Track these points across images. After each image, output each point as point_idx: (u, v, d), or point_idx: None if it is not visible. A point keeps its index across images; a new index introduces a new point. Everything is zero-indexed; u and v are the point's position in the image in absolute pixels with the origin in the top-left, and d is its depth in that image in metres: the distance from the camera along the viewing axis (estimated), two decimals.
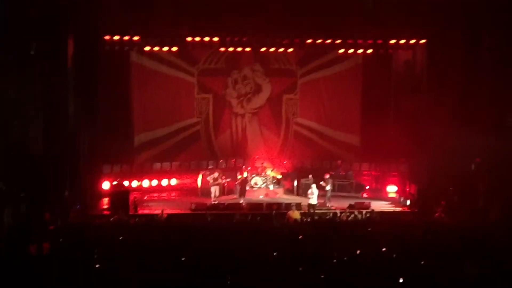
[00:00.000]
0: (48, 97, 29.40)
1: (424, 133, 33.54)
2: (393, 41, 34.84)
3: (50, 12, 28.68)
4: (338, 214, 29.32)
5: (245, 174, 34.43)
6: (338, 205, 31.67)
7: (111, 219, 28.15)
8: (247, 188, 33.85)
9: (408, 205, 32.12)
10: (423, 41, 34.28)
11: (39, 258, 18.56)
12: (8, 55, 26.84)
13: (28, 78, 28.08)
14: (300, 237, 21.49)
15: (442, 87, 32.67)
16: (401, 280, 15.56)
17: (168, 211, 29.61)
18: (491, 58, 31.77)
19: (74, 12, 30.11)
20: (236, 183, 34.07)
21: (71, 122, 30.93)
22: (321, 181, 32.28)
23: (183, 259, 17.84)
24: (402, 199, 33.42)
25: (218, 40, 34.11)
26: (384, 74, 37.35)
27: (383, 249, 19.52)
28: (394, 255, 18.73)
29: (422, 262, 17.66)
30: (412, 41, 34.63)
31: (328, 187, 32.27)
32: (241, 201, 32.29)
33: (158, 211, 29.49)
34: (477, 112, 31.84)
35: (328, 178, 32.73)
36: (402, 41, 34.65)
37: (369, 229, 23.64)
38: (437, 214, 28.99)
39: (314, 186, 31.24)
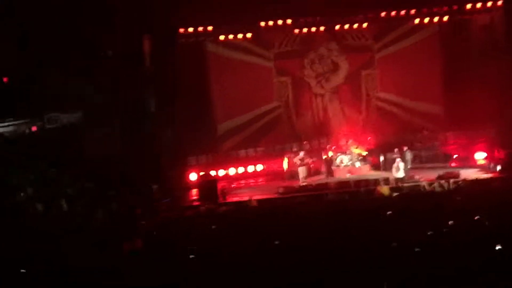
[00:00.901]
0: (128, 97, 29.93)
1: (509, 97, 32.90)
2: (469, 6, 34.22)
3: (124, 13, 29.13)
4: (427, 186, 29.01)
5: (330, 154, 34.30)
6: (426, 176, 31.25)
7: (201, 209, 28.44)
8: (333, 167, 33.75)
9: (499, 171, 31.53)
10: (500, 2, 33.56)
11: (133, 255, 18.78)
12: (85, 59, 27.46)
13: (107, 81, 28.68)
14: (389, 212, 21.32)
15: None
16: (498, 247, 15.26)
17: (257, 197, 29.73)
18: None
19: (148, 10, 30.46)
20: (323, 163, 34.06)
21: (152, 118, 31.38)
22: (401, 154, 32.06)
23: (276, 242, 17.86)
24: (492, 165, 32.75)
25: (291, 22, 34.06)
26: (463, 41, 36.76)
27: (476, 217, 19.22)
28: (487, 223, 18.44)
29: None
30: (489, 4, 33.94)
31: (407, 158, 31.92)
32: (337, 180, 32.22)
33: (246, 198, 29.66)
34: None
35: (406, 150, 32.35)
36: (479, 5, 34.03)
37: (458, 198, 23.28)
38: None
39: (399, 159, 30.96)
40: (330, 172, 33.24)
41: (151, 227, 23.63)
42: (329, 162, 33.54)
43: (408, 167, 31.86)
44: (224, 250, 17.64)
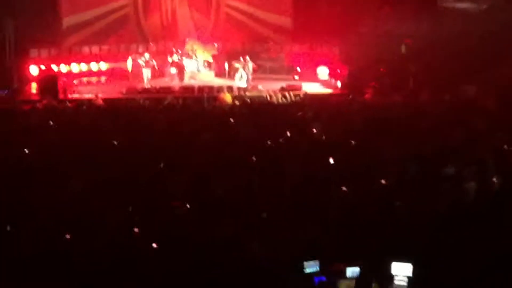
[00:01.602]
0: None
1: (356, 15, 33.51)
2: None
3: None
4: (269, 97, 29.40)
5: (175, 57, 34.02)
6: (269, 87, 31.60)
7: (40, 103, 27.81)
8: (173, 72, 33.64)
9: (340, 87, 32.31)
10: None
11: None
12: None
13: None
14: (232, 120, 21.54)
15: None
16: (331, 161, 15.76)
17: (100, 95, 29.30)
18: None
19: None
20: (169, 66, 33.84)
21: None
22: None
23: (115, 142, 17.77)
24: (333, 81, 33.56)
25: None
26: None
27: (314, 130, 19.70)
28: (324, 137, 18.95)
29: (353, 142, 17.92)
30: None
31: (249, 68, 32.19)
32: (180, 85, 32.11)
33: (88, 96, 29.21)
34: None
35: (248, 60, 32.57)
36: None
37: (300, 113, 23.74)
38: (367, 95, 29.28)
39: (242, 69, 31.21)
40: (181, 76, 32.95)
41: None
42: (181, 66, 33.20)
43: (250, 77, 32.08)
44: (59, 146, 17.45)
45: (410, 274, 9.81)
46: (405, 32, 31.58)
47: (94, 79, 34.84)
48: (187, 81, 33.15)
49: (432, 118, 21.69)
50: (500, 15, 31.01)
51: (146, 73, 32.65)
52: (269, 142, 18.03)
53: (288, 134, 18.98)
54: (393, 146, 16.93)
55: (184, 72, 33.24)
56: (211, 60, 35.09)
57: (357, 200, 13.04)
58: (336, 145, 17.45)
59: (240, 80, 31.13)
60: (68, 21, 35.47)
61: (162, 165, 15.35)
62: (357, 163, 15.54)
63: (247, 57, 32.70)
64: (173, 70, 33.53)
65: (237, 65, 32.86)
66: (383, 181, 14.22)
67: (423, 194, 13.22)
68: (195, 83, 32.72)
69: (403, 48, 32.05)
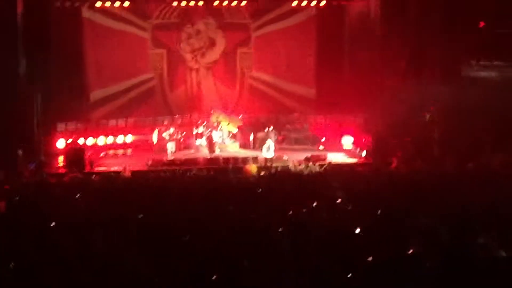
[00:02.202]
0: None
1: (379, 84, 33.71)
2: None
3: None
4: (294, 167, 29.46)
5: (200, 129, 34.29)
6: (294, 157, 31.70)
7: (67, 176, 28.02)
8: (198, 143, 33.99)
9: (364, 156, 32.35)
10: None
11: None
12: None
13: None
14: (260, 190, 21.57)
15: (396, 38, 32.83)
16: (357, 231, 15.68)
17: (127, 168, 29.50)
18: (445, 6, 31.86)
19: None
20: (194, 137, 34.14)
21: (21, 82, 30.69)
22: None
23: (140, 216, 17.79)
24: (358, 150, 33.63)
25: None
26: (339, 26, 37.40)
27: (338, 200, 19.66)
28: (349, 207, 18.88)
29: (379, 212, 17.83)
30: None
31: (272, 138, 32.33)
32: (205, 157, 32.34)
33: (114, 168, 29.42)
34: (431, 63, 32.05)
35: (272, 130, 32.72)
36: None
37: (324, 181, 23.73)
38: (393, 165, 29.24)
39: (269, 140, 31.39)
40: (211, 149, 33.15)
41: (14, 191, 23.11)
42: (210, 138, 33.44)
43: (271, 147, 32.16)
44: (87, 219, 17.47)
45: None
46: (430, 100, 31.67)
47: (120, 151, 35.07)
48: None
49: (457, 186, 21.58)
50: None
51: (171, 146, 32.94)
52: (292, 212, 17.99)
53: (314, 204, 18.95)
54: (418, 216, 16.83)
55: (214, 144, 33.42)
56: (235, 131, 35.30)
57: (384, 271, 12.92)
58: (361, 214, 17.37)
59: (268, 151, 31.32)
60: (95, 95, 35.97)
61: (187, 237, 15.32)
62: (382, 233, 15.43)
63: (271, 127, 32.87)
64: (198, 142, 33.79)
65: (263, 135, 33.00)
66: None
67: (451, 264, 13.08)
68: (220, 154, 32.90)
69: (427, 116, 32.10)
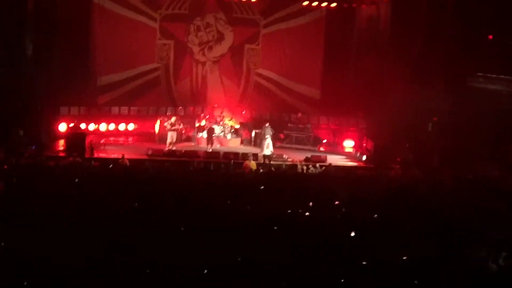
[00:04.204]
0: (5, 37, 29.18)
1: (384, 90, 33.68)
2: None
3: None
4: (294, 166, 29.45)
5: (203, 123, 34.34)
6: (295, 157, 31.73)
7: (66, 160, 27.96)
8: (199, 136, 34.02)
9: (364, 161, 32.34)
10: None
11: None
12: None
13: None
14: (262, 187, 21.54)
15: (404, 45, 32.79)
16: (352, 234, 15.67)
17: (126, 156, 29.45)
18: (455, 17, 31.79)
19: None
20: (196, 130, 34.15)
21: (27, 63, 30.69)
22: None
23: (136, 204, 17.78)
24: (358, 154, 33.65)
25: None
26: (347, 29, 37.48)
27: (336, 202, 19.63)
28: (344, 209, 18.86)
29: (375, 216, 17.81)
30: None
31: (268, 134, 32.26)
32: (209, 150, 32.30)
33: (114, 155, 29.40)
34: (438, 71, 31.97)
35: (268, 126, 32.63)
36: None
37: (322, 182, 23.71)
38: (393, 172, 29.20)
39: (269, 137, 31.38)
40: (211, 141, 33.08)
41: (13, 171, 23.09)
42: (211, 131, 33.36)
43: (268, 143, 32.10)
44: (82, 203, 17.48)
45: None
46: (433, 110, 31.63)
47: (121, 139, 35.07)
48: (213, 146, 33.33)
49: (453, 197, 21.56)
50: None
51: (171, 136, 32.83)
52: (289, 211, 17.97)
53: (311, 204, 18.93)
54: (412, 223, 16.82)
55: (214, 138, 33.39)
56: (237, 127, 35.29)
57: (378, 275, 12.92)
58: (357, 218, 17.35)
59: (267, 148, 31.30)
60: (102, 80, 35.97)
61: (182, 228, 15.33)
62: (377, 237, 15.43)
63: (267, 124, 32.70)
64: (200, 135, 33.79)
65: (264, 132, 32.95)
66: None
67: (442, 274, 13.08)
68: (221, 149, 32.89)
69: (430, 126, 32.06)
